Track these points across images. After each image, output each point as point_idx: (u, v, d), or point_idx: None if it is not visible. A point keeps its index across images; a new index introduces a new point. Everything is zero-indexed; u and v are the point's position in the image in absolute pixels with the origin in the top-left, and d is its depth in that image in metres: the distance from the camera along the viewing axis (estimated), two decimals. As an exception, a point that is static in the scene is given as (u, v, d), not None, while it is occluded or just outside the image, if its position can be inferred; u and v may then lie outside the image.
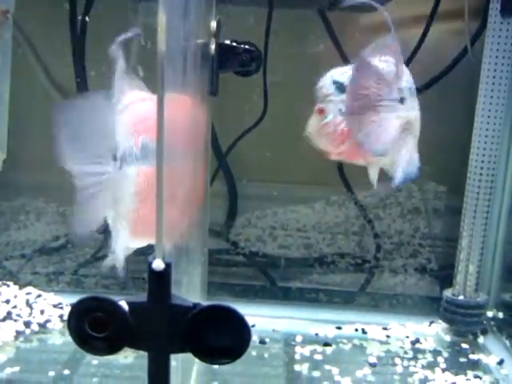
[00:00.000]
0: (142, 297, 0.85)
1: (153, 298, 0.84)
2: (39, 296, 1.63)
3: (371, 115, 1.18)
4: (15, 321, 1.51)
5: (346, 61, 1.67)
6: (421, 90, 1.64)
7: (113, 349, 0.86)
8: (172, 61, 0.91)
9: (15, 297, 1.62)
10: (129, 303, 0.84)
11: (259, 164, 1.81)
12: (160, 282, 0.83)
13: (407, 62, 1.62)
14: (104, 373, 1.32)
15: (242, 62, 1.47)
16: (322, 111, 1.20)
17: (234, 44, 1.46)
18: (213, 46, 1.42)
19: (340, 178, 1.76)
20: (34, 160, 1.67)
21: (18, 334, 1.47)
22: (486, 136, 1.51)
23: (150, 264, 0.82)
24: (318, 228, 1.83)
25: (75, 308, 0.85)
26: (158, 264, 0.82)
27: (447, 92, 1.68)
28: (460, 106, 1.67)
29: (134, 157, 1.05)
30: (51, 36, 1.66)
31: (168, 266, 0.83)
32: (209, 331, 0.85)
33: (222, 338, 0.85)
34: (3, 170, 1.65)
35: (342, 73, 1.21)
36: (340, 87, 1.19)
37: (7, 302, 1.59)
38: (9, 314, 1.53)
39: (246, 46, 1.47)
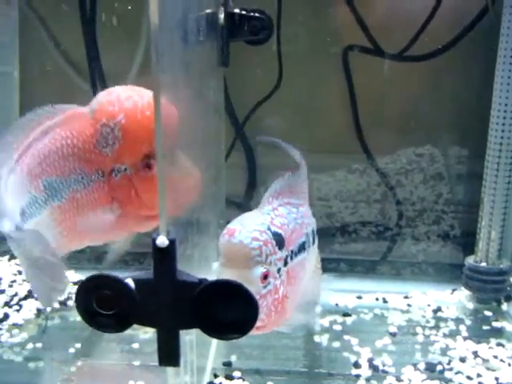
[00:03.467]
0: (148, 273, 0.84)
1: (158, 275, 0.83)
2: (60, 273, 1.64)
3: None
4: (36, 299, 1.52)
5: (363, 26, 1.63)
6: (440, 51, 1.62)
7: (121, 326, 0.86)
8: (170, 34, 0.89)
9: (36, 274, 1.64)
10: (135, 280, 0.84)
11: (277, 133, 1.78)
12: (165, 258, 0.82)
13: (426, 22, 1.58)
14: (123, 348, 1.33)
15: (252, 31, 1.44)
16: (266, 277, 0.94)
17: (244, 12, 1.43)
18: (222, 16, 1.39)
19: (360, 145, 1.73)
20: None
21: (40, 311, 1.48)
22: (507, 98, 1.45)
23: (154, 240, 0.81)
24: (339, 197, 1.80)
25: (82, 286, 0.85)
26: (162, 240, 0.81)
27: (467, 53, 1.62)
28: (481, 66, 1.61)
29: (38, 204, 1.09)
30: (63, 12, 1.65)
31: (172, 242, 0.82)
32: (216, 306, 0.84)
33: (229, 313, 0.84)
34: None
35: (281, 223, 0.98)
36: (280, 241, 0.97)
37: (28, 280, 1.60)
38: (30, 292, 1.54)
39: (256, 14, 1.44)
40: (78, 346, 1.35)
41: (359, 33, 1.64)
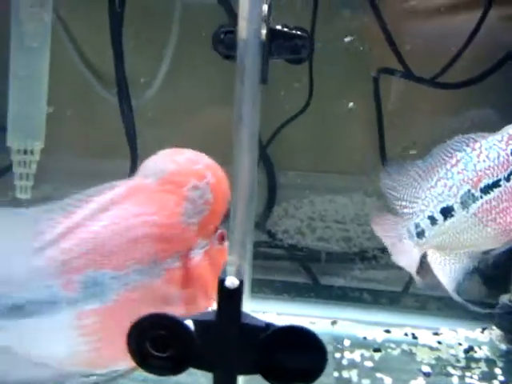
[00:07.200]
0: (209, 314, 0.78)
1: (222, 317, 0.77)
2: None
3: None
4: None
5: (395, 51, 1.59)
6: (476, 79, 1.58)
7: (176, 369, 0.80)
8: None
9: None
10: (195, 322, 0.78)
11: (297, 153, 1.74)
12: (231, 300, 0.76)
13: (462, 49, 1.54)
14: (146, 377, 1.25)
15: (293, 49, 1.39)
16: None
17: (286, 29, 1.37)
18: (263, 32, 1.34)
19: (383, 166, 1.69)
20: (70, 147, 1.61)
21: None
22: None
23: (222, 281, 0.75)
24: (357, 220, 1.75)
25: (137, 325, 0.78)
26: (232, 281, 0.75)
27: (505, 83, 1.58)
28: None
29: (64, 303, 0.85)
30: (88, 19, 1.59)
31: (241, 283, 0.76)
32: (282, 353, 0.78)
33: (295, 360, 0.78)
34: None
35: None
36: None
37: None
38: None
39: (298, 32, 1.38)
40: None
41: (391, 56, 1.60)
